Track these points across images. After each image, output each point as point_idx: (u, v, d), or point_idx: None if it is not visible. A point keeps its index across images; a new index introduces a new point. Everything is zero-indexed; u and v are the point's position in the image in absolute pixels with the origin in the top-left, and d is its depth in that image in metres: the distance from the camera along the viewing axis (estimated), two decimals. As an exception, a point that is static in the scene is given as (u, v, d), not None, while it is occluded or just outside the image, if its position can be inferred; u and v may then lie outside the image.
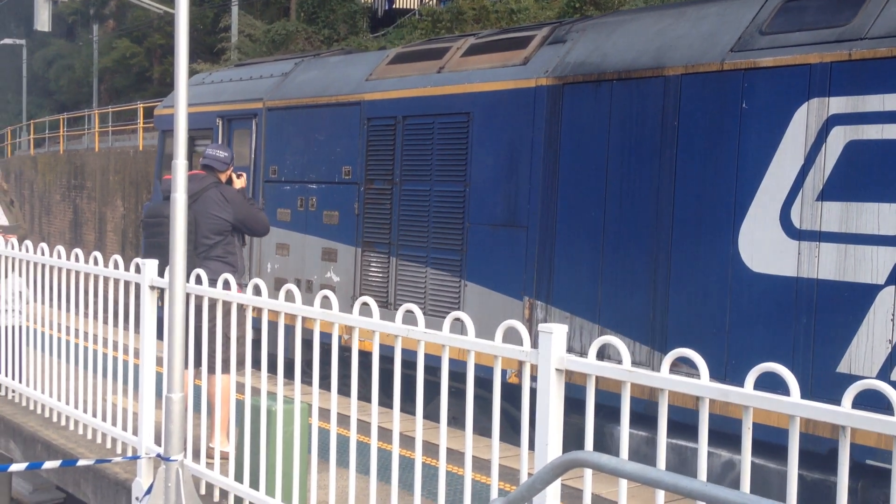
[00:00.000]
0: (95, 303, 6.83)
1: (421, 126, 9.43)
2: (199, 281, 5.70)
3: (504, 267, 8.51)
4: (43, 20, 21.74)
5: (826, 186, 6.41)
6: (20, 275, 7.77)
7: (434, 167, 9.25)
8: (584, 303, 7.81)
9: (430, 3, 24.67)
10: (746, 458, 3.17)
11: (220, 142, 11.86)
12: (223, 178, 6.78)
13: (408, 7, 25.51)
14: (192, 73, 13.96)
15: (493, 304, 8.54)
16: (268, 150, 11.20)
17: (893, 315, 6.04)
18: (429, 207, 9.29)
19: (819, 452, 6.23)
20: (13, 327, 7.91)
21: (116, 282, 6.61)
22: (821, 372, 6.35)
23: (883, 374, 6.06)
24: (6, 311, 7.97)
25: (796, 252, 6.53)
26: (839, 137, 6.37)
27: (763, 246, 6.72)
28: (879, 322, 6.10)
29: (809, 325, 6.45)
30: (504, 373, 7.44)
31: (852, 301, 6.24)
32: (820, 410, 2.92)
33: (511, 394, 6.92)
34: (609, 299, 7.63)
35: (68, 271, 7.12)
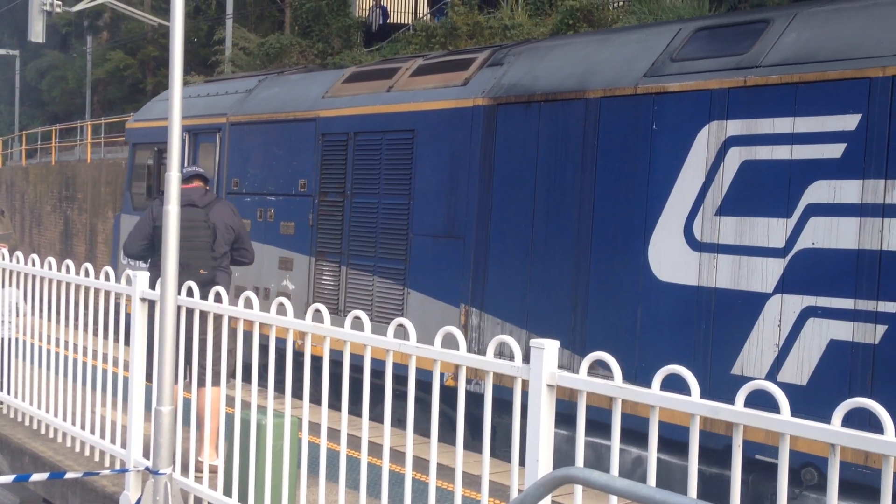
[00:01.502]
0: (86, 314, 6.80)
1: (371, 142, 9.93)
2: (190, 293, 5.68)
3: (443, 276, 9.00)
4: (37, 31, 21.70)
5: (723, 202, 6.95)
6: (11, 285, 7.74)
7: (382, 181, 9.75)
8: (514, 309, 8.31)
9: (425, 18, 24.75)
10: (736, 472, 3.17)
11: (186, 155, 12.18)
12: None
13: (402, 22, 25.58)
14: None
15: (433, 311, 8.97)
16: (231, 163, 11.69)
17: (780, 321, 6.55)
18: (377, 219, 9.77)
19: (716, 448, 6.59)
20: (3, 339, 7.88)
21: (108, 293, 6.59)
22: (718, 373, 6.83)
23: (771, 375, 6.49)
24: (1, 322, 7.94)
25: (697, 263, 7.05)
26: (735, 157, 6.91)
27: (669, 257, 7.23)
28: (768, 327, 6.61)
29: (708, 331, 6.94)
30: (442, 376, 7.77)
31: (745, 308, 6.75)
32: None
33: (451, 396, 6.99)
34: (536, 306, 8.13)
35: (59, 282, 7.09)
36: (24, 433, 7.50)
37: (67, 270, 6.92)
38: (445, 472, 5.98)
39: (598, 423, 6.05)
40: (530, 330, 8.08)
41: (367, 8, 25.47)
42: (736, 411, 3.12)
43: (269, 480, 5.14)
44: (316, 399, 6.60)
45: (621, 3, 18.68)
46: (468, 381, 7.74)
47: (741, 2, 15.28)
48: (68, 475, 6.22)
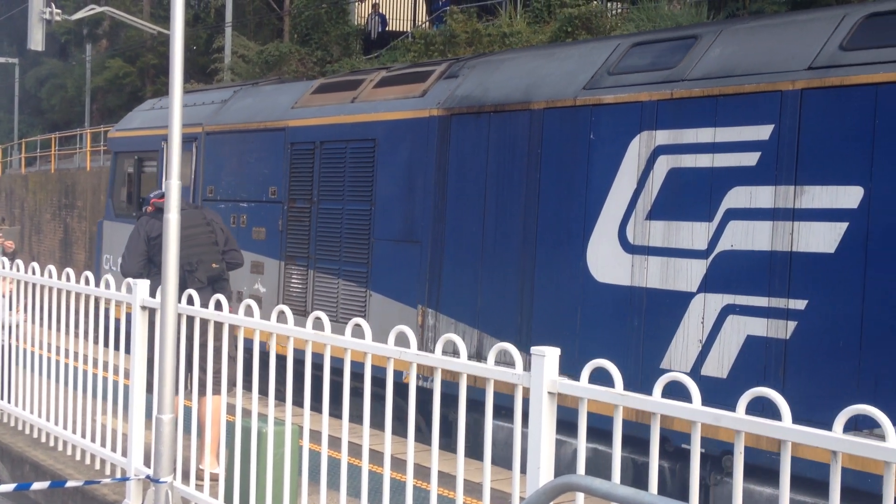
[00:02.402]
0: (86, 322, 6.80)
1: (336, 150, 10.33)
2: (190, 301, 5.69)
3: (402, 278, 9.40)
4: (37, 39, 21.71)
5: (653, 208, 7.37)
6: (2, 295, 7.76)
7: (346, 188, 10.19)
8: (466, 310, 8.76)
9: (424, 26, 24.79)
10: (738, 478, 3.17)
11: (162, 163, 12.56)
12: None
13: (401, 30, 25.61)
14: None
15: (393, 312, 9.36)
16: (206, 171, 12.14)
17: (703, 318, 6.97)
18: (341, 224, 10.19)
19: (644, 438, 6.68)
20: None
21: (108, 301, 6.59)
22: (648, 368, 7.16)
23: (695, 369, 6.92)
24: None
25: (630, 264, 7.49)
26: (663, 165, 7.33)
27: (605, 259, 7.68)
28: (693, 324, 7.04)
29: (640, 328, 7.37)
30: (399, 374, 7.77)
31: (672, 306, 7.17)
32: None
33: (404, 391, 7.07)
34: (486, 306, 8.58)
35: (59, 290, 7.10)
36: (25, 442, 7.49)
37: (68, 279, 6.92)
38: (446, 479, 5.98)
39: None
40: (481, 329, 8.55)
41: (366, 16, 25.52)
42: (737, 418, 3.12)
43: (269, 488, 5.13)
44: (316, 407, 6.61)
45: (620, 11, 18.73)
46: (422, 378, 7.96)
47: (741, 8, 15.33)
48: (69, 484, 6.21)
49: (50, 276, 7.14)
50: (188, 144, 12.44)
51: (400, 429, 5.74)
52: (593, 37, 15.10)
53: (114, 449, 6.45)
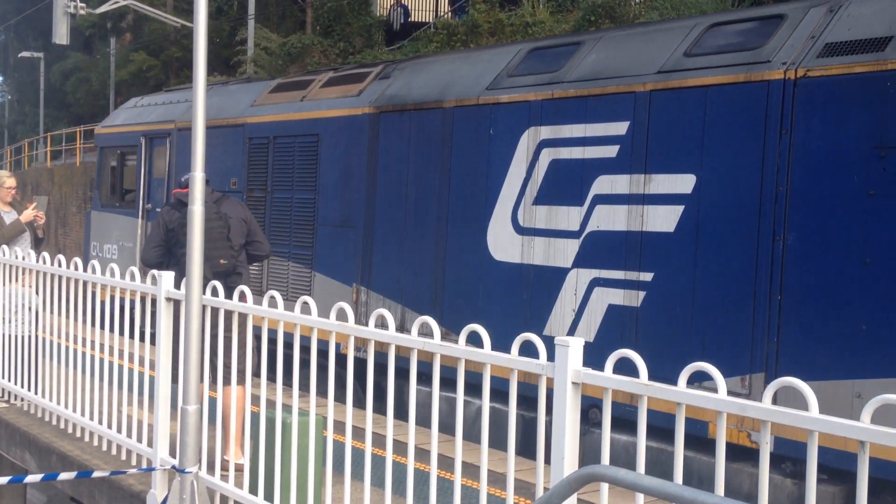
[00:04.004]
0: (111, 314, 6.85)
1: (286, 145, 11.44)
2: (214, 293, 5.71)
3: (340, 260, 10.53)
4: (61, 33, 21.84)
5: (538, 194, 8.44)
6: (27, 285, 7.83)
7: (295, 179, 11.29)
8: (392, 287, 9.87)
9: (446, 16, 24.73)
10: (764, 469, 3.15)
11: (141, 156, 14.15)
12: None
13: (423, 20, 25.56)
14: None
15: (333, 290, 10.49)
16: (178, 164, 13.28)
17: (576, 290, 8.05)
18: (291, 212, 11.30)
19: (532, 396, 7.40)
20: (22, 337, 7.95)
21: (133, 293, 6.63)
22: (534, 333, 7.63)
23: (569, 334, 7.93)
24: (13, 320, 8.02)
25: (521, 244, 8.57)
26: (546, 157, 8.37)
27: (501, 240, 8.75)
28: (568, 296, 8.12)
29: (528, 299, 8.42)
30: (338, 346, 8.50)
31: (552, 280, 8.24)
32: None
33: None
34: (408, 283, 9.68)
35: (84, 282, 7.15)
36: (52, 432, 7.56)
37: (94, 270, 6.97)
38: (470, 469, 5.98)
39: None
40: (404, 305, 9.68)
41: (388, 7, 25.47)
42: (764, 408, 3.10)
43: (294, 479, 5.15)
44: (340, 398, 6.63)
45: (643, -1, 18.58)
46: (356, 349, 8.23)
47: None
48: (95, 474, 6.25)
49: (76, 269, 7.19)
50: (163, 140, 13.73)
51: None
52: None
53: (139, 440, 6.49)
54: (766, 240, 6.74)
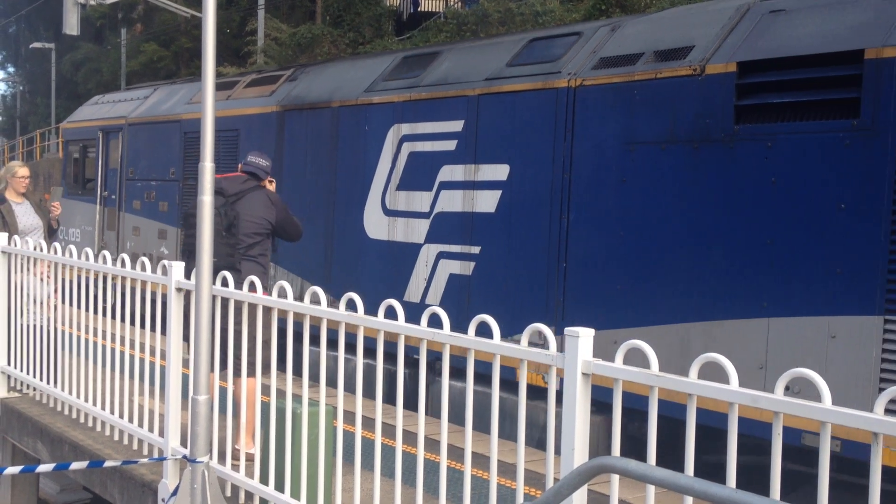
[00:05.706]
0: (123, 304, 6.86)
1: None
2: (225, 283, 5.71)
3: None
4: (72, 24, 21.85)
5: (400, 181, 9.92)
6: (37, 276, 7.85)
7: (220, 168, 12.41)
8: (295, 264, 11.35)
9: (456, 5, 24.65)
10: (776, 460, 3.13)
11: (99, 149, 15.62)
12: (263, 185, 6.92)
13: (433, 10, 25.50)
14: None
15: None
16: (129, 156, 15.00)
17: (427, 263, 9.53)
18: None
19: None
20: (34, 327, 7.97)
21: (144, 283, 6.64)
22: (398, 299, 8.62)
23: (423, 299, 9.46)
24: (26, 310, 8.05)
25: (388, 224, 10.07)
26: (406, 150, 9.89)
27: (373, 221, 10.27)
28: (421, 267, 9.61)
29: (395, 272, 9.90)
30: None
31: (410, 254, 9.74)
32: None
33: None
34: (306, 260, 11.17)
35: (96, 273, 7.16)
36: (64, 422, 7.59)
37: (105, 261, 6.99)
38: (480, 460, 5.98)
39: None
40: (304, 278, 11.21)
41: (398, -4, 25.42)
42: (776, 400, 3.08)
43: (304, 468, 5.16)
44: (350, 388, 6.64)
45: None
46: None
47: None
48: (107, 463, 6.28)
49: (87, 259, 7.21)
50: (116, 134, 15.28)
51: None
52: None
53: (151, 429, 6.51)
54: (556, 219, 8.33)
